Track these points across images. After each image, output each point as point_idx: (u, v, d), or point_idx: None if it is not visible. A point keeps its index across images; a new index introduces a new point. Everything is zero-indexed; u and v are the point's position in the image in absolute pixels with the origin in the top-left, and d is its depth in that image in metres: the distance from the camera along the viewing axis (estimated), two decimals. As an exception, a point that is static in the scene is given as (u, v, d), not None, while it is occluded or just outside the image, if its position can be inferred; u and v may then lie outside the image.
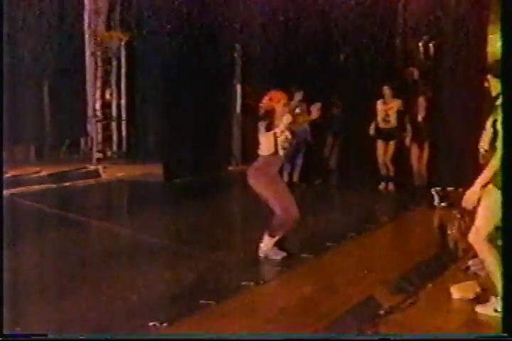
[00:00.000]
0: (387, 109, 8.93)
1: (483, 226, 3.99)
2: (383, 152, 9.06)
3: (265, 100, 5.29)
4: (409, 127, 8.76)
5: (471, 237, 4.05)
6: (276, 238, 5.20)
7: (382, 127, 8.98)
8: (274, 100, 5.21)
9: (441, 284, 4.54)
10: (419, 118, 8.74)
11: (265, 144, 5.16)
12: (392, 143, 8.98)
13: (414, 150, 8.76)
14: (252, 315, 3.89)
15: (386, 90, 8.87)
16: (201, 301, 4.08)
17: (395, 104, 8.93)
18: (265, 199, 5.22)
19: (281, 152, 5.17)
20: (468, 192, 3.94)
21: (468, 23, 8.48)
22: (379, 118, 8.98)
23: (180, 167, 9.64)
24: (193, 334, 3.61)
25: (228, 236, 6.13)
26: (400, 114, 8.90)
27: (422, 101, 8.74)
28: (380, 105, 8.97)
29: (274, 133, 5.11)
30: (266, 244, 5.22)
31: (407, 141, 8.76)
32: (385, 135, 8.99)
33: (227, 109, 10.75)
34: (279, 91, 5.33)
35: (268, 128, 5.15)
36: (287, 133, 5.19)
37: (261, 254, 5.22)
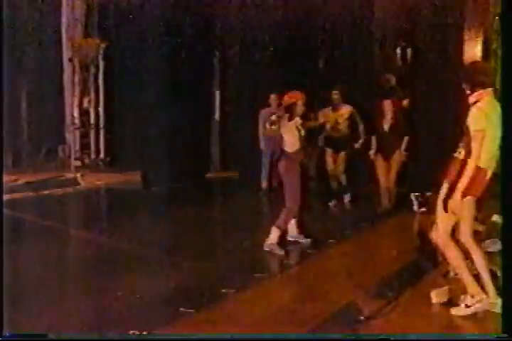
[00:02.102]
0: (337, 115, 8.12)
1: (442, 224, 4.12)
2: (333, 163, 8.18)
3: (286, 98, 5.98)
4: (373, 139, 7.73)
5: (433, 234, 4.20)
6: (281, 232, 5.75)
7: (331, 135, 8.14)
8: (294, 97, 5.91)
9: (421, 289, 4.57)
10: (385, 127, 7.71)
11: (290, 138, 5.85)
12: (343, 153, 8.13)
13: (380, 163, 7.72)
14: (231, 323, 3.88)
15: (335, 95, 8.10)
16: (181, 309, 4.05)
17: (346, 111, 8.13)
18: (285, 189, 5.85)
19: (303, 146, 5.87)
20: (451, 201, 4.01)
21: (445, 29, 8.56)
22: (328, 126, 8.12)
23: (158, 174, 9.59)
24: (193, 335, 3.59)
25: (208, 244, 6.10)
26: (353, 122, 8.14)
27: (388, 108, 7.67)
28: (329, 112, 8.13)
29: (295, 123, 5.84)
30: (273, 237, 5.71)
31: (372, 153, 7.72)
32: (335, 144, 8.14)
33: (205, 116, 10.73)
34: (297, 92, 5.98)
35: (290, 119, 5.88)
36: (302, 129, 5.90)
37: (266, 248, 5.67)
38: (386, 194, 7.74)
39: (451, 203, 4.02)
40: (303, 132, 5.89)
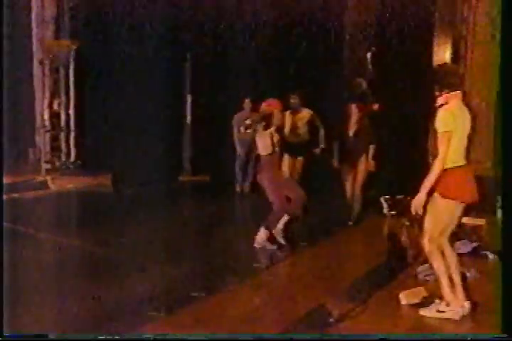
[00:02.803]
0: (295, 119, 7.70)
1: (429, 231, 4.13)
2: (290, 169, 7.49)
3: (263, 106, 6.12)
4: (336, 145, 7.32)
5: (421, 241, 4.18)
6: (270, 231, 5.99)
7: (290, 141, 7.42)
8: (272, 106, 6.06)
9: (391, 291, 4.60)
10: (350, 133, 7.26)
11: (263, 143, 6.04)
12: (300, 159, 7.64)
13: (345, 171, 7.31)
14: (201, 326, 3.87)
15: (293, 99, 7.71)
16: (150, 313, 4.03)
17: (306, 115, 7.78)
18: (268, 194, 6.03)
19: (276, 149, 6.05)
20: (414, 199, 4.05)
21: (415, 34, 8.66)
22: (286, 130, 7.46)
23: (129, 177, 9.54)
24: (192, 335, 3.58)
25: (178, 248, 6.07)
26: (313, 126, 7.78)
27: (353, 113, 7.26)
28: (288, 116, 7.60)
29: (271, 133, 6.01)
30: (261, 236, 5.96)
31: (335, 161, 7.31)
32: (293, 149, 7.50)
33: (177, 119, 10.70)
34: (276, 99, 6.17)
35: (265, 128, 6.04)
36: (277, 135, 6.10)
37: (256, 245, 5.94)
38: (352, 203, 7.33)
39: (413, 202, 4.04)
40: (276, 138, 6.08)
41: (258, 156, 6.44)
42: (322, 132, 7.87)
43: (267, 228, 6.04)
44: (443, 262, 4.14)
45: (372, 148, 7.24)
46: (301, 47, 9.48)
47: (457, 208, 4.16)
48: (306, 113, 7.80)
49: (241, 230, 6.78)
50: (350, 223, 7.19)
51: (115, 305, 4.28)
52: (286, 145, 7.35)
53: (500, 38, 3.78)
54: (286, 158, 7.36)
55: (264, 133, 6.04)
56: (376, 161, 7.31)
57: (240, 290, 4.75)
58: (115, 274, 5.05)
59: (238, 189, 9.19)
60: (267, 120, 6.05)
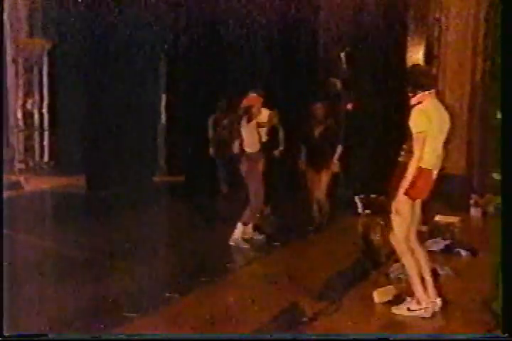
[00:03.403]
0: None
1: (398, 230, 4.20)
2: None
3: (244, 101, 6.24)
4: (303, 147, 7.03)
5: (391, 239, 4.23)
6: (246, 227, 6.14)
7: None
8: (251, 101, 6.20)
9: (364, 289, 4.64)
10: (316, 134, 6.99)
11: (249, 139, 6.15)
12: (261, 162, 7.00)
13: (310, 173, 7.03)
14: (175, 326, 3.86)
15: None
16: (125, 314, 4.02)
17: (263, 114, 7.12)
18: (249, 188, 6.18)
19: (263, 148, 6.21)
20: (394, 202, 4.08)
21: (389, 35, 8.73)
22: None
23: (104, 178, 9.48)
24: (192, 335, 3.56)
25: (152, 248, 6.05)
26: (272, 127, 7.14)
27: (319, 113, 6.97)
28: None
29: (256, 123, 6.15)
30: (238, 232, 6.11)
31: (301, 163, 7.02)
32: None
33: (152, 119, 10.67)
34: (255, 95, 6.28)
35: (249, 120, 6.14)
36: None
37: (232, 243, 6.05)
38: (317, 206, 7.07)
39: (394, 204, 4.10)
40: (262, 133, 6.26)
41: (237, 155, 6.43)
42: (281, 133, 7.31)
43: (244, 224, 6.17)
44: (413, 261, 4.18)
45: (338, 149, 7.01)
46: (276, 47, 9.50)
47: (417, 205, 4.21)
48: (264, 112, 7.09)
49: (215, 230, 6.78)
50: (311, 228, 6.89)
51: (89, 306, 4.26)
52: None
53: (501, 40, 3.81)
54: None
55: (249, 125, 6.19)
56: (341, 162, 7.10)
57: (213, 290, 4.76)
58: (89, 275, 5.02)
59: (224, 190, 9.10)
60: (248, 112, 6.20)
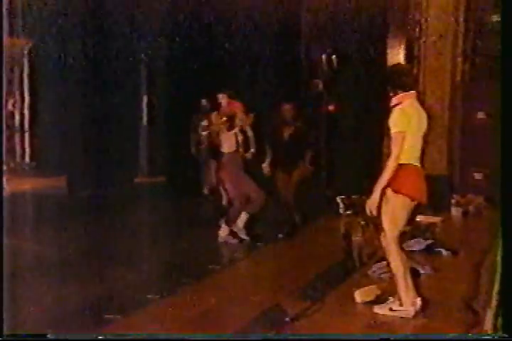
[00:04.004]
0: (222, 122, 6.69)
1: (389, 230, 4.15)
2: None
3: (226, 109, 6.46)
4: (269, 149, 6.70)
5: (382, 240, 4.19)
6: (232, 227, 6.29)
7: (215, 145, 6.92)
8: (235, 108, 6.35)
9: (346, 289, 4.66)
10: (285, 136, 6.67)
11: (227, 143, 6.29)
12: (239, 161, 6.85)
13: (279, 177, 6.68)
14: (156, 327, 3.85)
15: (221, 99, 6.96)
16: (106, 315, 4.00)
17: (232, 117, 6.78)
18: (229, 189, 6.37)
19: (240, 149, 6.31)
20: (369, 200, 4.08)
21: (369, 36, 8.77)
22: (212, 133, 7.01)
23: (85, 179, 9.44)
24: (192, 334, 3.55)
25: (134, 250, 6.03)
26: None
27: (288, 114, 6.63)
28: (214, 118, 6.99)
29: (235, 133, 6.28)
30: (224, 231, 6.29)
31: (265, 165, 6.67)
32: (219, 155, 6.87)
33: (133, 120, 10.64)
34: (237, 102, 6.46)
35: (229, 129, 6.29)
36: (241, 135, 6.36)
37: (221, 240, 6.26)
38: (285, 213, 6.71)
39: (368, 202, 4.06)
40: (240, 137, 6.35)
41: (217, 156, 6.50)
42: (251, 135, 6.84)
43: (227, 224, 6.34)
44: (402, 261, 4.16)
45: (309, 152, 6.74)
46: (258, 48, 9.51)
47: (410, 205, 4.17)
48: (239, 115, 6.84)
49: (197, 231, 6.76)
50: (280, 236, 6.54)
51: (71, 307, 4.24)
52: (211, 151, 7.07)
53: (501, 37, 3.81)
54: (213, 164, 7.12)
55: (229, 133, 6.33)
56: (314, 166, 6.83)
57: (195, 291, 4.74)
58: (70, 277, 4.99)
59: (206, 191, 9.09)
60: (230, 121, 6.31)
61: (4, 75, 10.50)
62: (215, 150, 6.71)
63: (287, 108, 6.66)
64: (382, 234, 4.17)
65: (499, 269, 3.68)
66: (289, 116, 6.63)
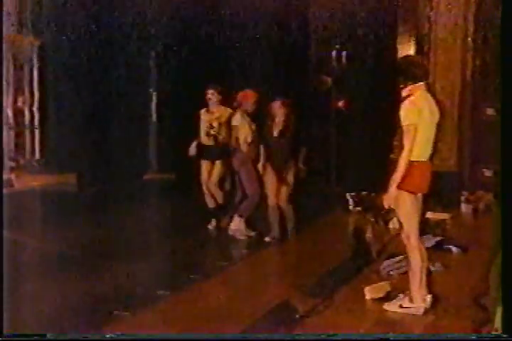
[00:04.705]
0: (211, 119, 6.73)
1: (405, 225, 4.14)
2: (208, 176, 6.80)
3: (239, 96, 6.45)
4: (261, 147, 6.35)
5: (402, 236, 4.18)
6: (244, 219, 6.30)
7: (205, 143, 6.77)
8: (246, 96, 6.41)
9: (356, 286, 4.65)
10: (275, 134, 6.28)
11: (243, 133, 6.32)
12: (218, 162, 6.71)
13: (269, 177, 6.30)
14: (166, 324, 3.86)
15: (211, 94, 6.70)
16: (115, 312, 4.00)
17: (223, 113, 6.69)
18: (243, 181, 6.37)
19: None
20: (386, 194, 4.05)
21: (379, 32, 8.73)
22: (202, 132, 6.79)
23: (94, 176, 9.46)
24: (192, 335, 3.56)
25: (143, 247, 6.04)
26: (229, 126, 6.59)
27: (278, 111, 6.24)
28: (203, 115, 6.80)
29: (249, 122, 6.34)
30: (236, 224, 6.29)
31: (260, 165, 6.34)
32: (210, 153, 6.75)
33: (143, 117, 10.65)
34: (250, 90, 6.49)
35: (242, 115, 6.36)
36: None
37: (230, 233, 6.28)
38: (276, 215, 6.32)
39: (384, 198, 4.05)
40: (253, 127, 6.37)
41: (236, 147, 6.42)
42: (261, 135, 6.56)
43: (240, 216, 6.32)
44: (421, 257, 4.15)
45: (302, 151, 6.36)
46: (267, 44, 9.50)
47: (416, 199, 4.16)
48: (223, 111, 6.72)
49: (206, 228, 6.77)
50: (267, 239, 6.22)
51: (80, 304, 4.25)
52: (202, 149, 6.78)
53: (500, 37, 3.78)
54: (204, 164, 6.76)
55: (243, 119, 6.36)
56: (307, 167, 6.41)
57: (205, 288, 4.76)
58: (79, 273, 5.00)
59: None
60: (241, 106, 6.41)
61: (4, 73, 10.51)
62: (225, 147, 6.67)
63: (276, 105, 6.26)
64: (401, 230, 4.16)
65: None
66: (279, 113, 6.25)
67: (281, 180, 6.26)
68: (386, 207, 4.09)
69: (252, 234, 6.37)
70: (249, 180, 6.33)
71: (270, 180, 6.29)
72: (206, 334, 3.64)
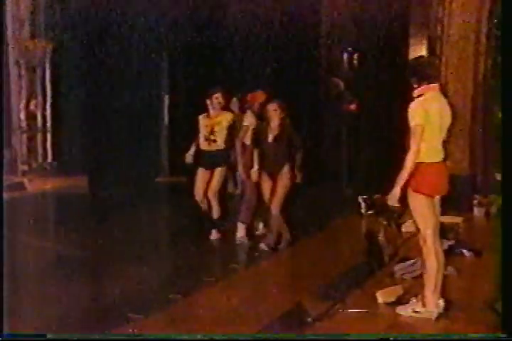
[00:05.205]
0: (212, 123, 6.46)
1: (421, 228, 4.11)
2: (203, 183, 6.48)
3: (249, 97, 6.46)
4: (256, 153, 6.08)
5: (420, 242, 4.15)
6: (245, 225, 6.21)
7: (205, 149, 6.48)
8: (255, 97, 6.40)
9: (368, 289, 4.63)
10: (270, 138, 6.00)
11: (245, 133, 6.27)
12: (218, 171, 6.40)
13: (265, 183, 6.05)
14: (180, 328, 3.86)
15: (215, 99, 6.45)
16: (129, 315, 4.01)
17: (224, 118, 6.45)
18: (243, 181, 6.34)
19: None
20: (390, 193, 4.02)
21: (391, 34, 8.71)
22: (201, 138, 6.52)
23: (106, 179, 9.49)
24: (192, 334, 3.56)
25: (155, 249, 6.05)
26: (231, 132, 6.42)
27: (273, 114, 5.97)
28: (202, 120, 6.56)
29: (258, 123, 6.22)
30: (240, 231, 6.21)
31: (253, 171, 6.08)
32: (208, 160, 6.44)
33: (154, 120, 10.68)
34: (260, 91, 6.48)
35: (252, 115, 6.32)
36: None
37: (238, 242, 6.17)
38: (268, 223, 6.12)
39: (389, 197, 4.01)
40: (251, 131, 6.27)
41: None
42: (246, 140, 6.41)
43: (242, 222, 6.25)
44: (437, 260, 4.11)
45: (298, 157, 6.03)
46: (278, 47, 9.49)
47: (432, 202, 4.11)
48: (225, 116, 6.50)
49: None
50: (262, 246, 5.96)
51: (93, 307, 4.26)
52: (200, 156, 6.48)
53: (501, 37, 3.75)
54: (200, 171, 6.45)
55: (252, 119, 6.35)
56: (302, 172, 6.06)
57: (216, 291, 4.76)
58: (92, 276, 5.02)
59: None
60: (250, 108, 6.41)
61: (1, 74, 10.56)
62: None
63: (271, 108, 6.00)
64: (419, 233, 4.13)
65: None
66: (274, 117, 5.96)
67: (275, 187, 5.95)
68: (390, 204, 4.04)
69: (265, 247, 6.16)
70: (246, 182, 6.30)
71: (264, 186, 6.05)
72: (217, 335, 3.64)
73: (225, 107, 6.51)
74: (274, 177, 5.97)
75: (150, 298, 4.43)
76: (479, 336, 3.77)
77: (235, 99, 6.86)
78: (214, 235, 6.34)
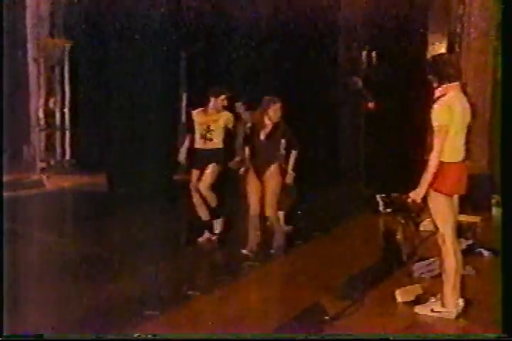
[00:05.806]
0: (208, 121, 6.27)
1: (440, 227, 4.09)
2: (196, 182, 6.34)
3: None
4: (247, 150, 5.86)
5: (439, 242, 4.13)
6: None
7: (199, 147, 6.31)
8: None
9: (387, 289, 4.61)
10: (262, 136, 5.76)
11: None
12: (211, 166, 6.22)
13: (252, 183, 5.80)
14: (196, 325, 3.87)
15: (221, 100, 6.31)
16: (146, 312, 4.03)
17: (222, 117, 6.26)
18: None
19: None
20: (414, 192, 4.00)
21: (410, 33, 8.66)
22: (197, 135, 6.31)
23: (124, 176, 9.52)
24: (193, 335, 3.58)
25: (173, 247, 6.06)
26: (229, 133, 6.26)
27: (273, 113, 5.71)
28: (197, 116, 6.37)
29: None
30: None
31: (244, 170, 5.90)
32: (202, 159, 6.27)
33: (172, 118, 10.70)
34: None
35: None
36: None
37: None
38: (256, 226, 5.76)
39: (413, 192, 3.99)
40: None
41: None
42: (241, 140, 6.12)
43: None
44: (456, 260, 4.09)
45: (293, 157, 5.80)
46: (297, 46, 9.47)
47: (451, 201, 4.10)
48: (223, 114, 6.30)
49: (235, 228, 6.77)
50: (246, 252, 5.67)
51: (111, 305, 4.28)
52: (194, 154, 6.32)
53: (501, 37, 3.71)
54: (195, 170, 6.31)
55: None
56: (296, 173, 5.84)
57: (235, 288, 4.76)
58: (110, 273, 5.04)
59: None
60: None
61: (42, 75, 10.55)
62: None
63: (272, 107, 5.76)
64: (437, 233, 4.12)
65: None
66: (271, 114, 5.74)
67: (263, 185, 5.70)
68: (411, 199, 4.01)
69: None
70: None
71: (251, 185, 5.77)
72: (237, 334, 3.64)
73: (227, 108, 6.35)
74: (260, 177, 5.73)
75: (168, 294, 4.43)
76: (479, 336, 3.74)
77: (239, 103, 6.58)
78: (205, 238, 6.23)
